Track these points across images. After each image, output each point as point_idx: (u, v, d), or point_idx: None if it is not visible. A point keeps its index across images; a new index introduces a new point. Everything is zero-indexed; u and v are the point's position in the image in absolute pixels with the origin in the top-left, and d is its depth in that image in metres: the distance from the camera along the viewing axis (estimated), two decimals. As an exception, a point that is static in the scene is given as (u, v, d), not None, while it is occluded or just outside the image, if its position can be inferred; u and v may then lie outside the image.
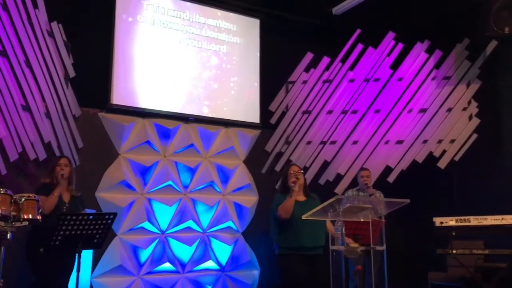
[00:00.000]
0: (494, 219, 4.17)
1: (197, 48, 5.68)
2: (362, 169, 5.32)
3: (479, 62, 5.82)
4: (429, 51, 6.03)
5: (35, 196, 3.22)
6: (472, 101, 5.83)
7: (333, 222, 3.64)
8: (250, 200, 5.70)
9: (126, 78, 5.20)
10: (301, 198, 4.14)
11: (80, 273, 3.44)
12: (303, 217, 3.58)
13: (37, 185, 3.97)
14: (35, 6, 4.54)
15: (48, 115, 4.54)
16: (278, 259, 4.11)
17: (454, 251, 4.24)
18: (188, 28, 5.65)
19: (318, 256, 3.98)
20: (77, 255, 3.31)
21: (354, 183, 5.50)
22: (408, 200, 3.55)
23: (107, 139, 5.11)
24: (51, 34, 4.72)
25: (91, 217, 3.30)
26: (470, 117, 5.80)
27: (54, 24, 4.76)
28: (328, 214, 3.46)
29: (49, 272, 3.64)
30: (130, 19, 5.29)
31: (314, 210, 3.49)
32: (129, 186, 5.07)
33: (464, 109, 5.84)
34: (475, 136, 5.73)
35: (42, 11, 4.63)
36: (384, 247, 3.47)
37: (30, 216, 3.12)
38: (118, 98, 5.13)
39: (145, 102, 5.27)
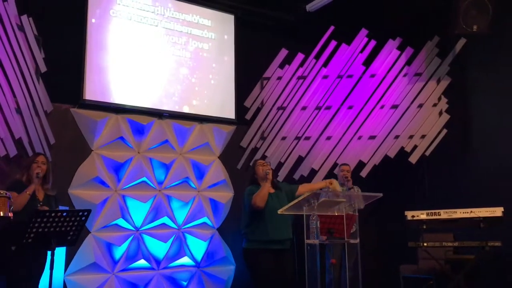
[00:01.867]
0: (463, 212, 4.31)
1: (171, 43, 5.64)
2: (343, 164, 5.34)
3: (449, 59, 5.97)
4: (401, 48, 6.15)
5: (6, 193, 3.15)
6: (442, 97, 5.97)
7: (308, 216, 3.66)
8: (225, 196, 5.71)
9: (99, 73, 5.13)
10: (271, 190, 4.16)
11: (53, 271, 3.38)
12: (279, 211, 3.61)
13: (10, 181, 3.85)
14: (4, -1, 4.44)
15: (18, 110, 4.44)
16: (246, 253, 4.06)
17: (425, 244, 4.36)
18: (162, 23, 5.60)
19: (286, 251, 3.97)
20: (49, 253, 3.26)
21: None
22: (381, 194, 3.62)
23: (80, 135, 5.03)
24: (21, 28, 4.61)
25: (64, 214, 3.25)
26: (440, 113, 5.94)
27: (24, 18, 4.65)
28: (303, 209, 3.49)
29: (19, 274, 3.55)
30: (103, 13, 5.21)
31: (289, 204, 3.52)
32: (102, 183, 5.00)
33: (435, 105, 5.98)
34: (445, 131, 5.87)
35: (12, 4, 4.52)
36: (358, 241, 3.53)
37: (1, 214, 3.06)
38: (90, 93, 5.05)
39: (118, 97, 5.21)
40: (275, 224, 3.90)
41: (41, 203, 3.70)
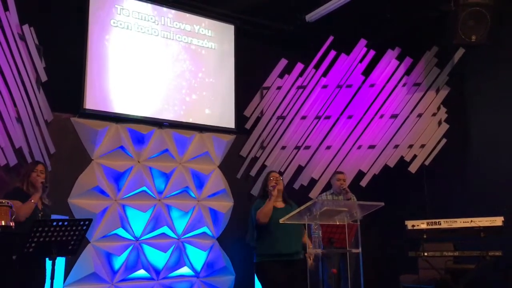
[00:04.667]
0: (463, 222, 4.31)
1: (171, 52, 5.66)
2: (337, 172, 5.33)
3: (447, 69, 6.00)
4: (400, 58, 6.18)
5: (8, 202, 3.13)
6: (441, 107, 6.00)
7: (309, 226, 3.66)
8: (225, 205, 5.69)
9: (99, 82, 5.13)
10: (280, 204, 4.16)
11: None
12: (281, 221, 3.61)
13: (11, 189, 3.82)
14: (6, 8, 4.44)
15: (19, 120, 4.43)
16: (257, 267, 4.07)
17: (425, 254, 4.35)
18: (162, 33, 5.63)
19: (296, 262, 3.98)
20: (51, 262, 3.23)
21: (328, 188, 5.55)
22: (382, 203, 3.61)
23: (80, 144, 5.03)
24: (22, 37, 4.62)
25: (66, 223, 3.23)
26: (440, 123, 5.96)
27: (25, 27, 4.66)
28: (305, 218, 3.49)
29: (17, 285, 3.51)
30: (104, 23, 5.23)
31: (291, 214, 3.52)
32: (102, 192, 4.99)
33: (434, 114, 6.00)
34: (444, 141, 5.89)
35: (13, 14, 4.53)
36: (359, 250, 3.52)
37: (3, 223, 3.04)
38: (91, 102, 5.05)
39: (118, 106, 5.21)
40: (282, 238, 3.91)
41: (41, 212, 3.69)
